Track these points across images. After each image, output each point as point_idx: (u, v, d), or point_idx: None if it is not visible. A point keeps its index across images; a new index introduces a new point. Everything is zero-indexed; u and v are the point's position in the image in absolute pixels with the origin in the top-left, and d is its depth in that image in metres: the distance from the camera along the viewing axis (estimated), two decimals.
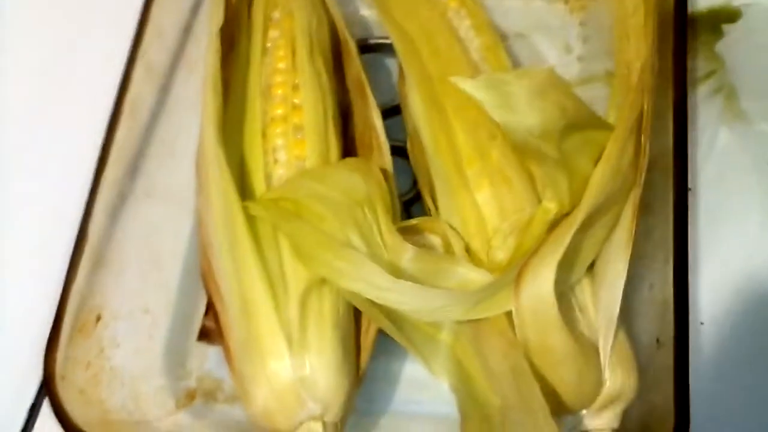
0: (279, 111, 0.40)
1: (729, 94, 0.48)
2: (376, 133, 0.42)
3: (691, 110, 0.46)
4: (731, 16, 0.50)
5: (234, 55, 0.43)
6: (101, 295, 0.37)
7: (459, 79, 0.30)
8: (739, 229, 0.44)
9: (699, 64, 0.49)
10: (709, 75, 0.49)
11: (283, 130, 0.40)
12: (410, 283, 0.31)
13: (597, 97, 0.46)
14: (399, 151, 0.45)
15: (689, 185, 0.44)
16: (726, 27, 0.50)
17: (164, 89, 0.45)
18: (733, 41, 0.49)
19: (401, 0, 0.45)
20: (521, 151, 0.34)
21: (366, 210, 0.35)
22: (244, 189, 0.39)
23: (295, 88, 0.41)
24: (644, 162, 0.34)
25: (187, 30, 0.46)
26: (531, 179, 0.37)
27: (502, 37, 0.49)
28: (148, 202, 0.41)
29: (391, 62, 0.48)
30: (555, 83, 0.31)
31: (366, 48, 0.49)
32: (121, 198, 0.40)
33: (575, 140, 0.32)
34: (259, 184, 0.38)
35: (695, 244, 0.44)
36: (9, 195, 0.47)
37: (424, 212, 0.43)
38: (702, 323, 0.42)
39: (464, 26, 0.43)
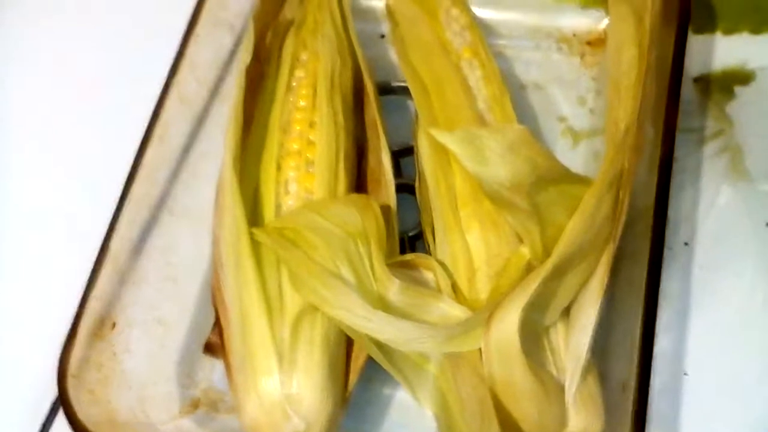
0: (295, 145, 0.43)
1: (735, 153, 0.50)
2: (384, 171, 0.45)
3: (695, 167, 0.49)
4: (744, 78, 0.52)
5: (262, 89, 0.47)
6: (118, 303, 0.41)
7: (437, 132, 0.33)
8: (732, 285, 0.45)
9: (708, 123, 0.51)
10: (717, 134, 0.50)
11: (296, 164, 0.43)
12: (386, 314, 0.34)
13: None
14: (410, 189, 0.47)
15: (686, 240, 0.47)
16: (738, 89, 0.51)
17: (198, 118, 0.48)
18: (744, 103, 0.51)
19: (419, 48, 0.48)
20: (494, 201, 0.36)
21: (359, 243, 0.38)
22: (255, 215, 0.42)
23: (312, 125, 0.44)
24: (622, 216, 0.36)
25: (226, 65, 0.50)
26: None
27: (520, 86, 0.52)
28: (170, 220, 0.45)
29: (411, 104, 0.51)
30: (527, 140, 0.34)
31: (389, 90, 0.52)
32: (146, 214, 0.44)
33: (549, 193, 0.34)
34: (269, 212, 0.42)
35: (687, 296, 0.46)
36: (40, 206, 0.51)
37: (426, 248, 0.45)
38: (686, 374, 0.43)
39: (475, 76, 0.46)
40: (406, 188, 0.48)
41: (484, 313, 0.35)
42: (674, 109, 0.40)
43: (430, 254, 0.44)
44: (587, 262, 0.36)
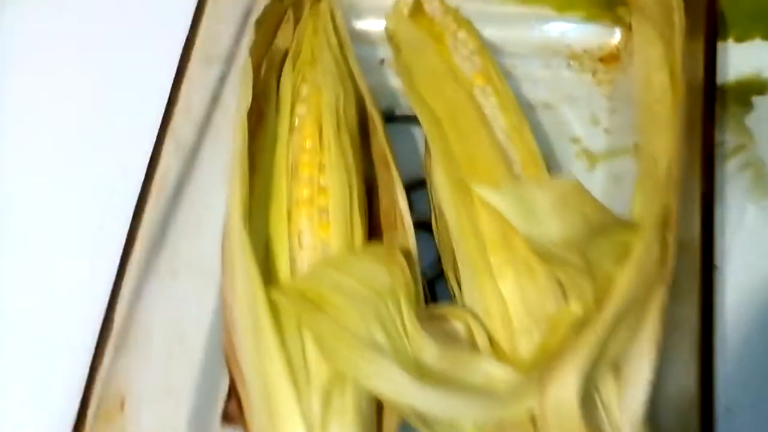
0: (304, 192, 0.40)
1: (758, 169, 0.47)
2: (400, 212, 0.42)
3: (718, 186, 0.46)
4: (761, 87, 0.50)
5: (261, 128, 0.43)
6: (126, 378, 0.38)
7: (482, 190, 0.30)
8: (765, 310, 0.43)
9: (728, 138, 0.49)
10: (737, 150, 0.48)
11: (308, 213, 0.40)
12: (430, 386, 0.31)
13: (626, 171, 0.46)
14: (424, 226, 0.45)
15: (716, 263, 0.44)
16: (756, 99, 0.49)
17: (190, 162, 0.45)
18: (763, 114, 0.49)
19: (427, 77, 0.45)
20: (543, 259, 0.34)
21: (389, 303, 0.35)
22: (268, 272, 0.39)
23: (321, 168, 0.41)
24: (671, 260, 0.34)
25: (214, 100, 0.46)
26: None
27: (529, 107, 0.49)
28: (172, 278, 0.41)
29: (417, 132, 0.48)
30: (578, 193, 0.31)
31: (393, 118, 0.49)
32: (147, 276, 0.40)
33: (599, 245, 0.32)
34: (283, 268, 0.39)
35: (721, 322, 0.43)
36: (37, 279, 0.47)
37: (448, 291, 0.43)
38: (729, 411, 0.41)
39: (490, 104, 0.43)
40: (419, 225, 0.45)
41: (536, 376, 0.32)
42: (710, 136, 0.38)
43: (455, 301, 0.41)
44: (638, 310, 0.33)
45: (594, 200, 0.33)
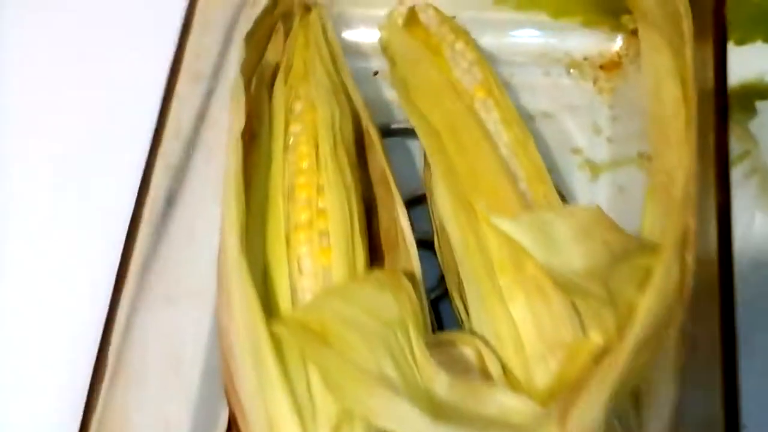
0: (303, 216, 0.39)
1: (764, 176, 0.46)
2: (401, 231, 0.40)
3: None
4: (764, 92, 0.49)
5: (254, 147, 0.41)
6: (122, 412, 0.36)
7: (497, 219, 0.28)
8: None
9: (732, 145, 0.47)
10: (743, 156, 0.47)
11: (307, 237, 0.38)
12: (449, 426, 0.30)
13: (631, 181, 0.44)
14: (425, 244, 0.43)
15: None
16: (759, 104, 0.48)
17: (181, 182, 0.43)
18: (766, 120, 0.48)
19: (424, 90, 0.43)
20: (565, 290, 0.32)
21: (398, 332, 0.34)
22: (268, 301, 0.37)
23: (319, 189, 0.39)
24: (690, 281, 0.32)
25: (202, 117, 0.45)
26: None
27: (529, 117, 0.48)
28: (166, 305, 0.40)
29: (415, 145, 0.47)
30: (599, 221, 0.29)
31: (389, 132, 0.47)
32: (140, 303, 0.38)
33: (620, 272, 0.30)
34: (283, 297, 0.37)
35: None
36: (28, 311, 0.45)
37: (453, 311, 0.41)
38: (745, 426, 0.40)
39: (492, 119, 0.41)
40: (420, 243, 0.43)
41: (555, 408, 0.30)
42: (724, 145, 0.36)
43: (462, 324, 0.39)
44: (658, 336, 0.32)
45: (615, 225, 0.31)
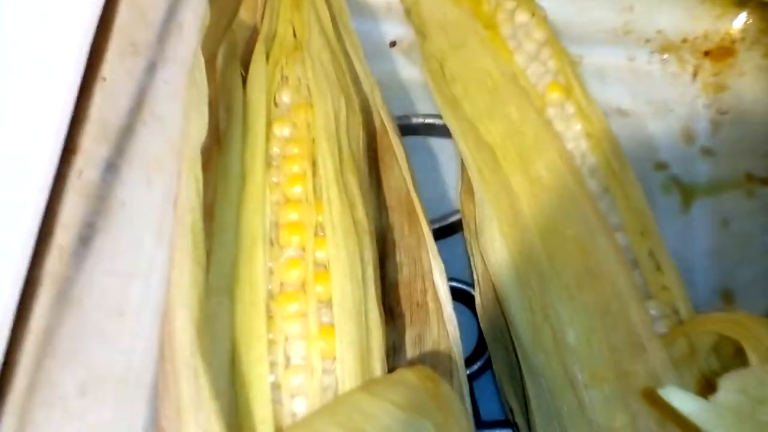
0: (293, 273, 0.25)
1: None
2: (432, 288, 0.27)
3: None
4: None
5: (221, 157, 0.28)
6: None
7: (670, 392, 0.16)
8: None
9: None
10: None
11: (300, 308, 0.25)
12: None
13: (737, 212, 0.32)
14: (457, 294, 0.30)
15: None
16: None
17: (100, 211, 0.29)
18: None
19: (471, 82, 0.30)
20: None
21: None
22: (237, 407, 0.24)
23: (318, 230, 0.26)
24: None
25: (136, 109, 0.30)
26: None
27: None
28: (80, 396, 0.26)
29: (444, 146, 0.33)
30: None
31: (408, 129, 0.34)
32: (33, 405, 0.25)
33: None
34: (260, 405, 0.24)
35: None
36: None
37: (496, 390, 0.29)
38: None
39: (572, 133, 0.28)
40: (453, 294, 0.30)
41: None
42: None
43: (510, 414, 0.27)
44: None
45: None
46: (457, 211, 0.33)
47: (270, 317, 0.26)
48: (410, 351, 0.29)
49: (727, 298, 0.33)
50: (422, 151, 0.34)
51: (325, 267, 0.26)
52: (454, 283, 0.32)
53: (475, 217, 0.29)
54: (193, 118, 0.26)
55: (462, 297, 0.32)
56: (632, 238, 0.27)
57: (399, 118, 0.34)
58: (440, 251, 0.32)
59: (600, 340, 0.25)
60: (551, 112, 0.29)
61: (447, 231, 0.33)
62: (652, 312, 0.26)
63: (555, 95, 0.29)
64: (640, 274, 0.26)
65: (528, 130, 0.28)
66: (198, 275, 0.24)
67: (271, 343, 0.25)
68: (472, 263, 0.30)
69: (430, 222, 0.32)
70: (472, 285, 0.32)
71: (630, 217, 0.27)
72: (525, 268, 0.26)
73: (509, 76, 0.29)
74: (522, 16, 0.31)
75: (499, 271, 0.27)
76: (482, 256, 0.29)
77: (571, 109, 0.29)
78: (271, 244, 0.27)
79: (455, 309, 0.32)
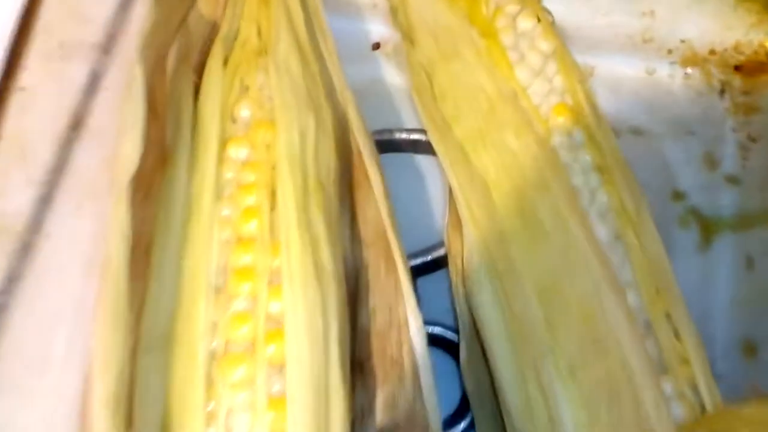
0: (242, 330, 0.21)
1: None
2: (409, 347, 0.23)
3: None
4: None
5: (164, 182, 0.23)
6: None
7: None
8: None
9: None
10: None
11: (247, 374, 0.21)
12: None
13: (761, 250, 0.28)
14: (439, 341, 0.27)
15: None
16: None
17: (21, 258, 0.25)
18: None
19: (464, 101, 0.26)
20: None
21: None
22: None
23: (273, 279, 0.22)
24: None
25: (74, 127, 0.26)
26: None
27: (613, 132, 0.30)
28: None
29: (430, 165, 0.29)
30: None
31: (391, 145, 0.29)
32: None
33: None
34: None
35: None
36: None
37: None
38: None
39: (580, 166, 0.24)
40: (433, 340, 0.27)
41: None
42: None
43: None
44: None
45: None
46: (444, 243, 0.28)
47: (210, 384, 0.22)
48: (381, 415, 0.25)
49: (750, 350, 0.29)
50: (407, 169, 0.30)
51: (280, 324, 0.22)
52: (438, 329, 0.28)
53: (462, 257, 0.25)
54: (126, 142, 0.21)
55: (446, 344, 0.28)
56: (646, 298, 0.22)
57: (381, 132, 0.30)
58: (423, 288, 0.28)
59: (604, 430, 0.20)
60: (556, 139, 0.24)
61: (432, 266, 0.28)
62: (668, 390, 0.22)
63: (561, 119, 0.24)
64: (655, 343, 0.22)
65: (527, 161, 0.23)
66: (120, 340, 0.20)
67: (209, 417, 0.21)
68: (456, 308, 0.26)
69: (413, 255, 0.28)
70: (457, 329, 0.27)
71: (645, 270, 0.23)
72: (518, 333, 0.22)
73: (508, 95, 0.25)
74: (526, 23, 0.26)
75: (488, 328, 0.23)
76: (468, 306, 0.25)
77: (580, 136, 0.24)
78: (217, 292, 0.22)
79: (438, 357, 0.28)
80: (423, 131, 0.29)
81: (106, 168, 0.24)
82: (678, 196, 0.31)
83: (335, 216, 0.25)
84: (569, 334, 0.21)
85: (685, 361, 0.22)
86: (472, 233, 0.24)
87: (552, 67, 0.26)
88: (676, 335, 0.23)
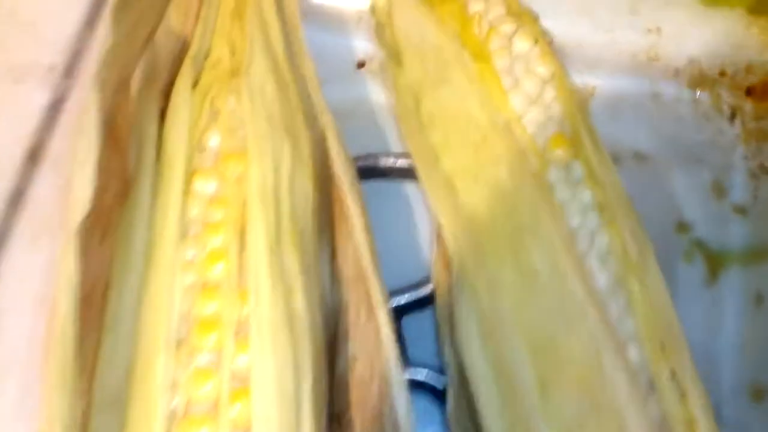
0: (205, 388, 0.19)
1: None
2: (390, 394, 0.21)
3: None
4: None
5: (123, 220, 0.21)
6: None
7: None
8: None
9: None
10: None
11: None
12: None
13: None
14: (425, 386, 0.26)
15: None
16: None
17: None
18: None
19: (453, 129, 0.23)
20: None
21: None
22: None
23: (241, 329, 0.20)
24: None
25: (33, 156, 0.24)
26: None
27: (614, 158, 0.28)
28: None
29: (415, 190, 0.27)
30: None
31: (375, 172, 0.27)
32: None
33: None
34: None
35: None
36: None
37: None
38: None
39: (578, 205, 0.22)
40: (416, 384, 0.25)
41: None
42: None
43: None
44: None
45: None
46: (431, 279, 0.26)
47: None
48: None
49: (758, 395, 0.27)
50: (393, 198, 0.28)
51: (245, 383, 0.20)
52: (424, 373, 0.26)
53: (450, 299, 0.23)
54: (76, 181, 0.19)
55: (433, 389, 0.26)
56: (650, 353, 0.20)
57: (365, 157, 0.28)
58: (410, 326, 0.26)
59: None
60: (553, 174, 0.22)
61: (419, 304, 0.27)
62: None
63: (559, 152, 0.22)
64: (658, 404, 0.20)
65: (521, 200, 0.21)
66: (67, 403, 0.18)
67: None
68: (444, 354, 0.24)
69: (399, 292, 0.26)
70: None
71: (649, 322, 0.21)
72: (510, 391, 0.20)
73: (501, 125, 0.23)
74: (522, 44, 0.24)
75: (476, 381, 0.21)
76: (455, 354, 0.23)
77: (579, 170, 0.22)
78: (179, 345, 0.20)
79: (423, 400, 0.26)
80: (410, 156, 0.27)
81: (63, 200, 0.22)
82: (683, 227, 0.29)
83: (313, 255, 0.23)
84: (564, 398, 0.19)
85: (691, 424, 0.20)
86: (459, 276, 0.22)
87: (550, 93, 0.24)
88: (683, 396, 0.21)
